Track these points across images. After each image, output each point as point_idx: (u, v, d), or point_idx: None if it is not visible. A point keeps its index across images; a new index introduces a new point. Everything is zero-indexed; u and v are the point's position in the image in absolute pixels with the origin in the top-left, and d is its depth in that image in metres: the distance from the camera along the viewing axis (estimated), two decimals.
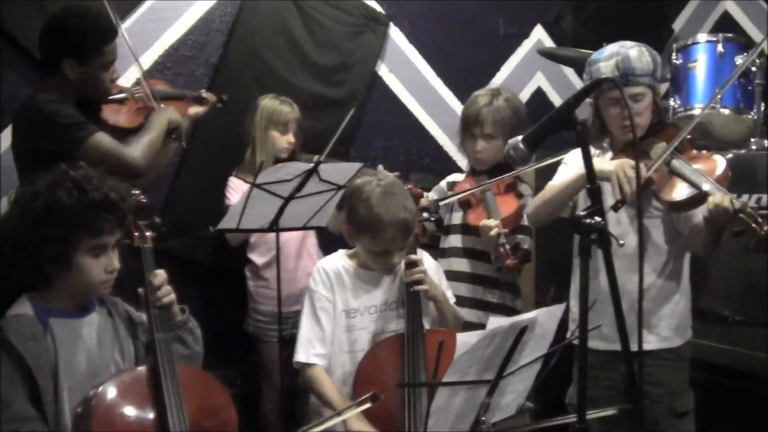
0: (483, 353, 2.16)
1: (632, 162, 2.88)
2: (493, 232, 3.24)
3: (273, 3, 4.53)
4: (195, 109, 3.79)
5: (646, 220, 3.08)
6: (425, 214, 3.30)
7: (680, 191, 2.97)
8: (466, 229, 3.54)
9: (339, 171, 3.28)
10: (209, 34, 4.38)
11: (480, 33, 5.21)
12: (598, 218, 2.05)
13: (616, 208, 2.89)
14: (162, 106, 3.48)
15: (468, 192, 3.45)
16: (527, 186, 3.61)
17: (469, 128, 3.53)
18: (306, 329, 2.99)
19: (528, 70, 5.35)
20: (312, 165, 3.19)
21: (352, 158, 4.60)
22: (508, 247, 3.22)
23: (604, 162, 3.03)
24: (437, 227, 3.57)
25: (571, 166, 3.19)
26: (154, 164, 3.35)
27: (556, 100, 5.39)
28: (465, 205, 3.50)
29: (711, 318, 3.74)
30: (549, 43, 5.39)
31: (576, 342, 2.24)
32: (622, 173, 2.88)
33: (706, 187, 2.87)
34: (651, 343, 3.07)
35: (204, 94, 3.86)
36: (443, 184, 3.70)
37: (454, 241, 3.58)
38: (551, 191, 3.16)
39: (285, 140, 4.02)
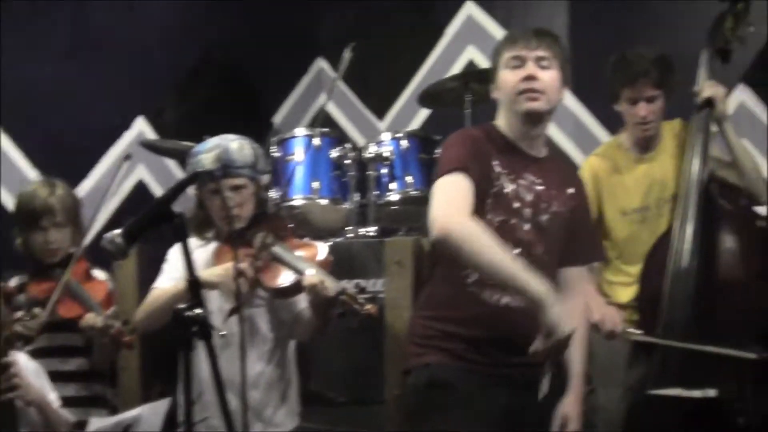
0: None
1: (238, 265, 2.92)
2: (99, 323, 3.14)
3: None
4: None
5: (251, 309, 3.12)
6: (19, 314, 3.11)
7: (284, 278, 3.05)
8: (43, 327, 3.38)
9: None
10: None
11: (82, 122, 5.07)
12: (198, 310, 2.05)
13: (231, 313, 2.93)
14: None
15: (60, 288, 3.29)
16: (98, 269, 3.57)
17: (35, 221, 3.40)
18: None
19: (130, 161, 5.27)
20: None
21: None
22: (118, 325, 3.14)
23: (209, 271, 3.05)
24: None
25: (173, 263, 3.18)
26: None
27: (159, 193, 5.35)
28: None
29: (318, 401, 3.83)
30: (151, 135, 5.36)
31: None
32: (228, 279, 2.92)
33: (309, 272, 2.97)
34: (260, 430, 3.08)
35: None
36: (12, 284, 3.43)
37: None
38: (160, 299, 3.10)
39: None
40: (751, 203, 3.46)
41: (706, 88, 3.43)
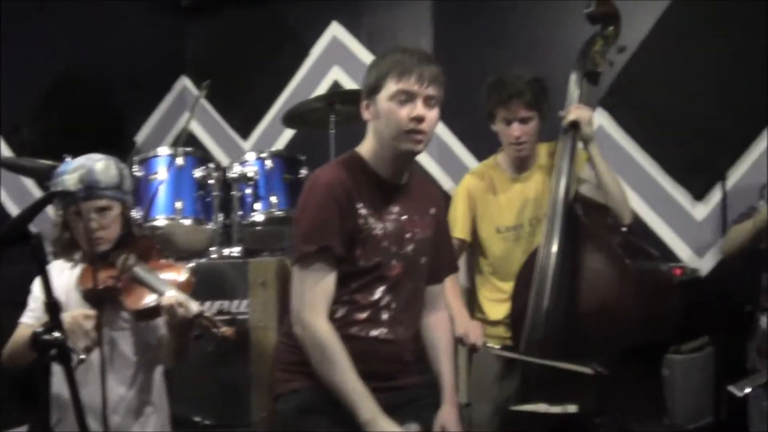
0: None
1: (87, 312, 2.83)
2: None
3: None
4: None
5: (114, 332, 3.05)
6: None
7: (146, 300, 3.00)
8: None
9: None
10: None
11: None
12: (57, 333, 2.00)
13: (86, 353, 2.80)
14: None
15: None
16: None
17: None
18: None
19: None
20: None
21: None
22: None
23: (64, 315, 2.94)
24: None
25: (36, 294, 3.05)
26: None
27: (16, 212, 5.19)
28: None
29: (184, 425, 3.76)
30: (7, 152, 5.20)
31: None
32: (77, 328, 2.80)
33: (169, 293, 2.93)
34: None
35: None
36: None
37: None
38: (26, 337, 2.93)
39: None
40: (616, 223, 3.56)
41: (572, 110, 3.52)
